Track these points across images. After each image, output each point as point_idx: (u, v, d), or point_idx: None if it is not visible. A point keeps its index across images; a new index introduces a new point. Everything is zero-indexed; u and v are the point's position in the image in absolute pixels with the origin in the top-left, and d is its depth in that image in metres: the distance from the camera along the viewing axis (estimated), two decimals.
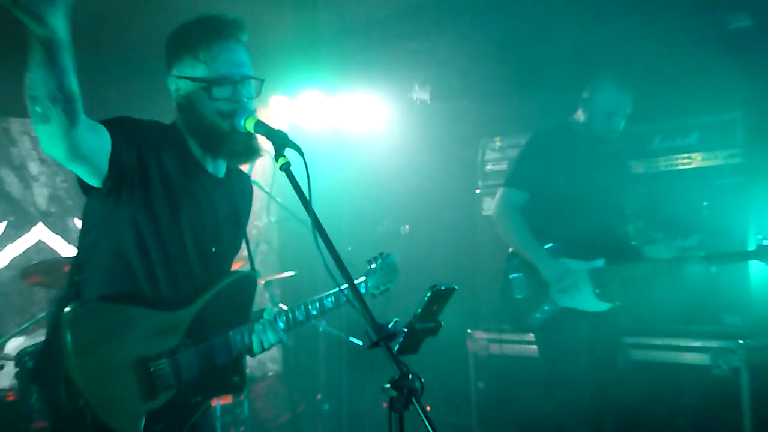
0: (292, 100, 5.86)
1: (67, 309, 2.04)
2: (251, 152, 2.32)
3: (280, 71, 5.65)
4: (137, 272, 2.19)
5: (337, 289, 2.33)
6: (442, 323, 2.07)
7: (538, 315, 4.13)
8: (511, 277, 4.28)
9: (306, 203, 1.95)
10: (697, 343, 4.46)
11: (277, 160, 2.02)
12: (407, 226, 5.70)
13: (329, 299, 2.65)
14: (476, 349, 5.26)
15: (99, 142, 2.00)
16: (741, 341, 4.29)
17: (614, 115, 4.17)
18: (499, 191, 4.30)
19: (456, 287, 2.10)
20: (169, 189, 2.23)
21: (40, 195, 5.35)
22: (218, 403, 4.50)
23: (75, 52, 1.82)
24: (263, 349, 2.43)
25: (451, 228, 5.73)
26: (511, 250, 4.32)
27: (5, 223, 5.18)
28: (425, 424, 1.72)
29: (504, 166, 5.47)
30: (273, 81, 5.72)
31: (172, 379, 2.19)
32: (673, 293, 4.54)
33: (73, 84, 1.82)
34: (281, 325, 2.47)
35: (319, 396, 5.05)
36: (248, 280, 2.51)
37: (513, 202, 4.22)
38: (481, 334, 5.25)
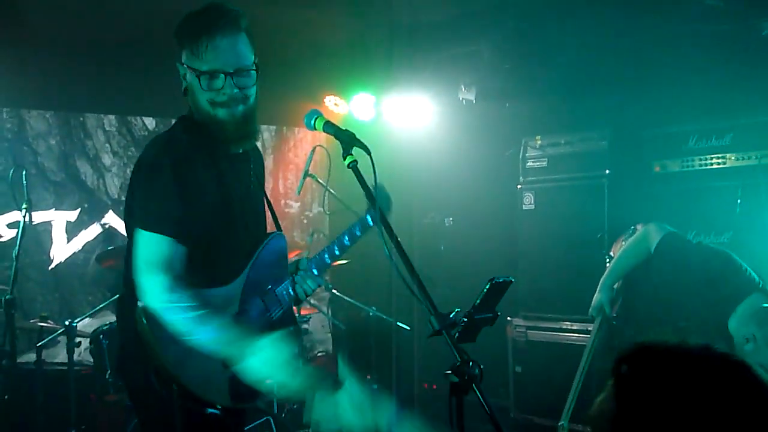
0: (343, 100, 5.89)
1: (140, 305, 2.12)
2: (246, 138, 2.36)
3: (334, 72, 5.66)
4: (194, 260, 2.23)
5: (357, 221, 2.59)
6: (498, 314, 2.04)
7: None
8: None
9: (372, 199, 2.01)
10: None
11: (345, 159, 2.04)
12: (451, 219, 5.67)
13: (345, 237, 2.57)
14: (514, 335, 5.25)
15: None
16: None
17: None
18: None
19: (513, 280, 2.07)
20: (211, 186, 2.32)
21: (112, 185, 5.39)
22: None
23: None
24: (306, 296, 2.51)
25: (492, 221, 5.68)
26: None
27: (79, 210, 5.22)
28: (484, 407, 1.75)
29: (544, 163, 5.43)
30: (327, 81, 5.79)
31: None
32: None
33: None
34: (315, 271, 2.49)
35: (368, 376, 5.01)
36: (279, 240, 2.53)
37: None
38: (519, 321, 5.23)
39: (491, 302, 1.98)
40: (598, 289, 3.93)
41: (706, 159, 4.69)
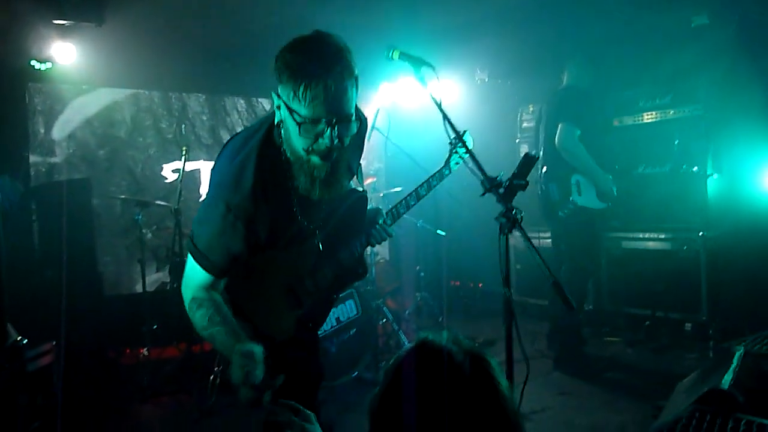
0: (393, 84, 5.89)
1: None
2: (330, 187, 1.61)
3: (384, 63, 5.68)
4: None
5: (427, 179, 2.19)
6: (528, 182, 1.83)
7: (565, 211, 3.91)
8: (549, 185, 3.97)
9: (446, 117, 1.81)
10: (670, 235, 4.43)
11: (415, 74, 1.85)
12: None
13: (423, 188, 2.19)
14: (514, 242, 5.30)
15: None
16: (701, 233, 4.25)
17: None
18: (560, 127, 3.83)
19: (539, 156, 1.89)
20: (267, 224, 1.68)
21: None
22: None
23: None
24: (378, 243, 2.08)
25: (498, 166, 5.69)
26: (544, 170, 3.99)
27: None
28: (529, 243, 1.66)
29: (534, 124, 5.44)
30: (382, 71, 5.83)
31: (313, 289, 1.89)
32: (653, 201, 4.54)
33: None
34: (389, 221, 2.10)
35: (417, 267, 5.11)
36: (362, 200, 2.03)
37: (574, 134, 3.81)
38: (519, 233, 5.28)
39: (524, 172, 1.81)
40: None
41: (652, 114, 4.68)
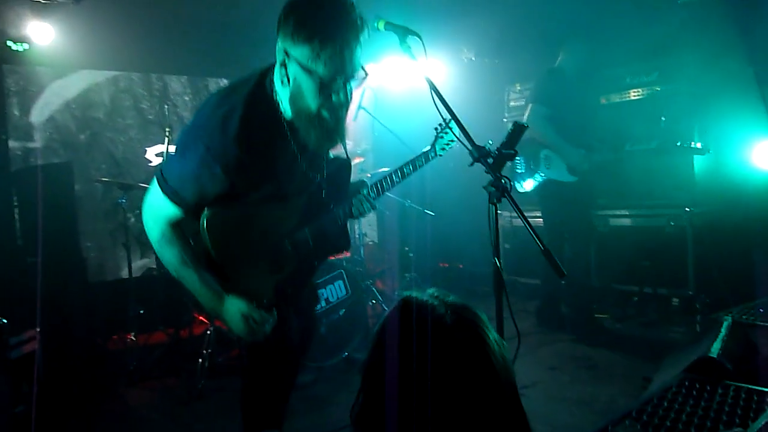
0: (379, 65, 5.82)
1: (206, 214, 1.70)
2: (331, 140, 1.65)
3: (369, 43, 5.60)
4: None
5: (413, 158, 2.20)
6: (518, 151, 1.79)
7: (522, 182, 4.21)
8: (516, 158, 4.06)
9: (439, 96, 1.75)
10: (657, 212, 4.45)
11: (401, 45, 1.79)
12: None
13: (408, 167, 2.19)
14: (502, 222, 5.32)
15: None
16: (687, 209, 4.27)
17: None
18: (529, 107, 4.09)
19: (527, 125, 1.85)
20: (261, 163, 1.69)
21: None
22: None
23: None
24: (361, 215, 2.07)
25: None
26: None
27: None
28: (516, 211, 1.63)
29: (521, 102, 5.41)
30: (366, 52, 5.77)
31: (293, 253, 1.87)
32: (640, 178, 4.54)
33: None
34: (373, 195, 2.09)
35: (406, 248, 5.09)
36: (345, 165, 2.04)
37: (541, 114, 4.03)
38: (506, 213, 5.30)
39: (513, 141, 1.76)
40: None
41: (639, 91, 4.68)
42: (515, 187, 4.20)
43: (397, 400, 0.82)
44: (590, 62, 4.27)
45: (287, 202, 1.84)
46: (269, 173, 1.71)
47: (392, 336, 0.87)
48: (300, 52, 1.48)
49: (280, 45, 1.54)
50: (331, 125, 1.58)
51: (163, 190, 1.66)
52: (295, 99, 1.57)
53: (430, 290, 0.95)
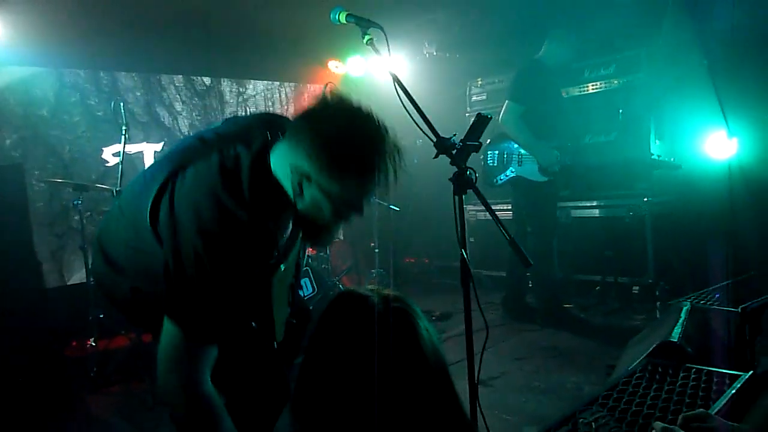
0: (341, 62, 5.81)
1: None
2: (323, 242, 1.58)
3: (335, 41, 5.51)
4: None
5: None
6: (482, 143, 1.79)
7: (502, 177, 4.22)
8: (488, 152, 4.26)
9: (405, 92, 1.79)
10: (616, 202, 4.55)
11: (363, 38, 1.84)
12: (421, 140, 5.70)
13: None
14: (468, 216, 5.36)
15: None
16: (645, 199, 4.37)
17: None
18: (504, 104, 4.07)
19: (491, 116, 1.84)
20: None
21: (183, 125, 5.29)
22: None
23: None
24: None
25: None
26: (488, 141, 4.27)
27: (163, 143, 5.15)
28: (481, 201, 1.66)
29: (483, 97, 5.48)
30: (330, 48, 5.69)
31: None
32: (600, 169, 4.63)
33: None
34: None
35: (372, 244, 5.05)
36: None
37: (515, 112, 4.02)
38: (471, 207, 5.34)
39: (477, 132, 1.75)
40: None
41: (597, 84, 4.77)
42: (488, 181, 4.22)
43: (332, 387, 0.87)
44: (575, 53, 4.29)
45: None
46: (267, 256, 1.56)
47: (327, 326, 0.93)
48: (329, 180, 1.35)
49: (292, 161, 1.38)
50: (336, 228, 1.52)
51: (185, 336, 1.34)
52: (307, 210, 1.43)
53: (370, 285, 1.02)
